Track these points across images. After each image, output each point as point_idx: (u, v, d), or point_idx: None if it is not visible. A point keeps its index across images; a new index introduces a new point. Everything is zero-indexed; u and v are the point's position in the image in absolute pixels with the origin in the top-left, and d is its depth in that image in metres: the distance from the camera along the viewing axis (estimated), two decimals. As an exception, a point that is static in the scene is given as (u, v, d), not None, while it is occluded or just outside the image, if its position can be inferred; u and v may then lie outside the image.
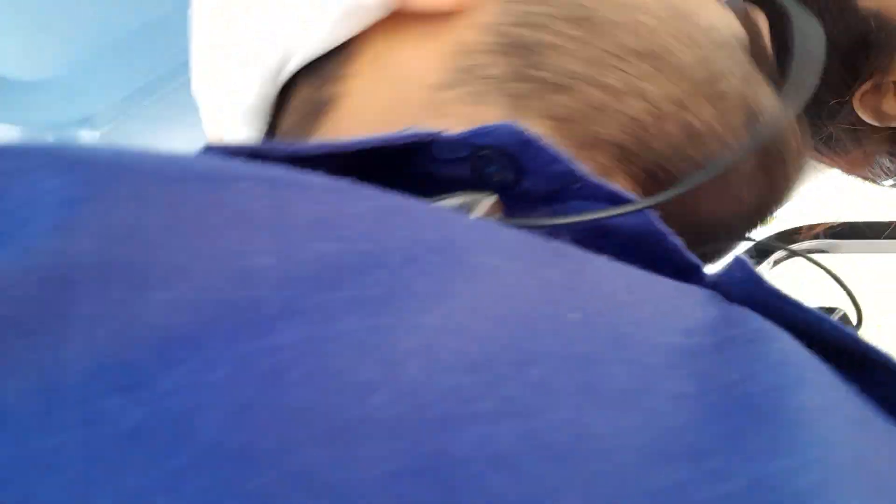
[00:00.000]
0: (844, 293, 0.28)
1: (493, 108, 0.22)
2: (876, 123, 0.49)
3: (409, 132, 0.19)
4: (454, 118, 0.22)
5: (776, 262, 0.67)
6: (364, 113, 0.24)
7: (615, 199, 0.19)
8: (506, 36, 0.23)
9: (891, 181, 0.56)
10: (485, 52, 0.23)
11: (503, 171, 0.20)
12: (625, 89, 0.22)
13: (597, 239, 0.19)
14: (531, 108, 0.22)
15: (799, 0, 0.50)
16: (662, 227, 0.20)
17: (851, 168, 0.56)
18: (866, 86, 0.48)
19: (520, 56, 0.23)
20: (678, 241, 0.20)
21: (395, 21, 0.24)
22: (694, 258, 0.20)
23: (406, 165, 0.20)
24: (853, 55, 0.48)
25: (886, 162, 0.54)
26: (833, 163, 0.56)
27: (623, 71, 0.22)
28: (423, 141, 0.19)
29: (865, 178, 0.58)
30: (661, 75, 0.23)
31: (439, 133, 0.19)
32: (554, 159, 0.19)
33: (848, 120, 0.50)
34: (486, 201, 0.19)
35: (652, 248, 0.20)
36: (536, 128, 0.21)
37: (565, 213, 0.19)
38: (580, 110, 0.22)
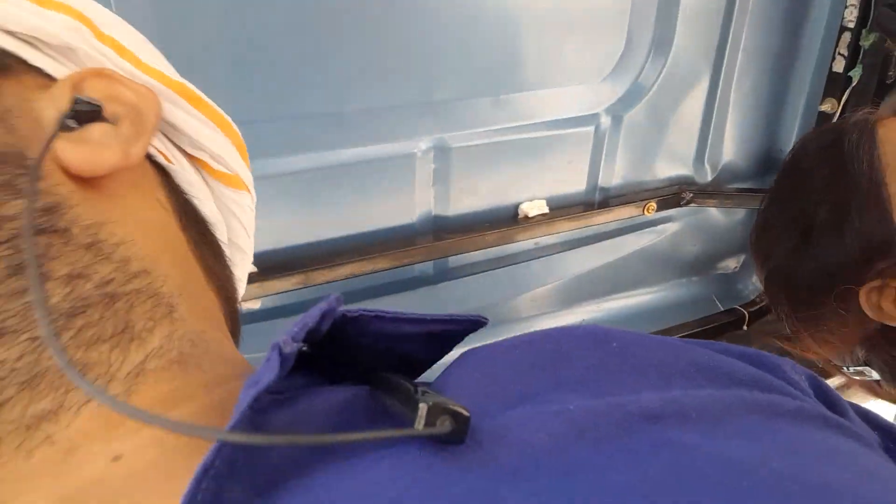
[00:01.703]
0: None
1: None
2: (872, 317, 0.53)
3: None
4: None
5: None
6: None
7: None
8: None
9: (854, 368, 0.59)
10: None
11: None
12: None
13: None
14: None
15: (843, 189, 0.53)
16: None
17: (825, 352, 0.60)
18: (875, 283, 0.53)
19: None
20: None
21: None
22: None
23: None
24: (874, 253, 0.52)
25: (859, 352, 0.57)
26: (810, 343, 0.59)
27: None
28: None
29: (831, 362, 0.61)
30: None
31: None
32: None
33: (846, 306, 0.54)
34: None
35: None
36: None
37: None
38: None
